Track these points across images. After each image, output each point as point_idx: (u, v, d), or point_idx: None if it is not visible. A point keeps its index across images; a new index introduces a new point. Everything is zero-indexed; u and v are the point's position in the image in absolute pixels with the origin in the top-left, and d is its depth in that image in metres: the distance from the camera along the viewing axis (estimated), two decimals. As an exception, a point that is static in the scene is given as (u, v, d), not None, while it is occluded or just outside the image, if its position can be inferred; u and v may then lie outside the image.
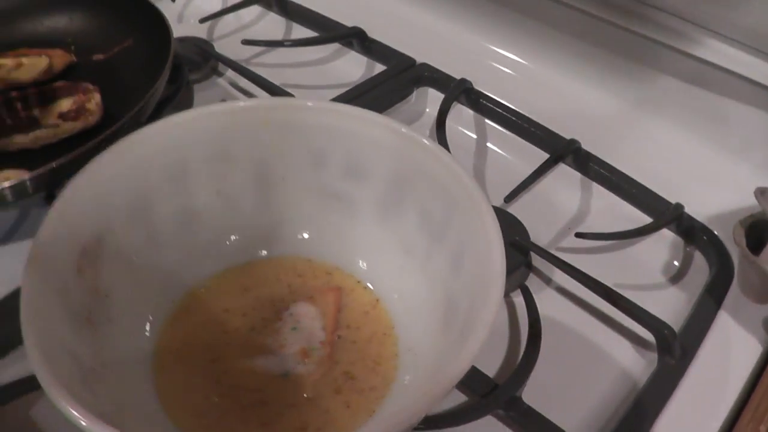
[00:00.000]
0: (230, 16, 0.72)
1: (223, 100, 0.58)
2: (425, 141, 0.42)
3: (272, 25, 0.74)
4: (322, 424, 0.39)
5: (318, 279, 0.46)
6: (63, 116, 0.54)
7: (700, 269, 0.53)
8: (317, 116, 0.44)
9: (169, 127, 0.43)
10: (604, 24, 0.61)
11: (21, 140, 0.53)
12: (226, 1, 0.76)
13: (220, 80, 0.67)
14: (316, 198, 0.46)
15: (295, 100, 0.45)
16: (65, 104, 0.55)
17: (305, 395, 0.40)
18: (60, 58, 0.61)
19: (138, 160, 0.42)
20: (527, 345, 0.45)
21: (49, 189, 0.50)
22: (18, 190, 0.47)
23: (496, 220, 0.38)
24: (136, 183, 0.42)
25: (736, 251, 0.51)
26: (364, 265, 0.46)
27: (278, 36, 0.73)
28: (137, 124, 0.51)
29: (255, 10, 0.74)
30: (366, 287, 0.45)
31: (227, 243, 0.47)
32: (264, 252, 0.47)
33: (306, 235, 0.47)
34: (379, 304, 0.45)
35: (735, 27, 0.54)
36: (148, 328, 0.43)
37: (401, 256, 0.45)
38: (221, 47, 0.68)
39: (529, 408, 0.43)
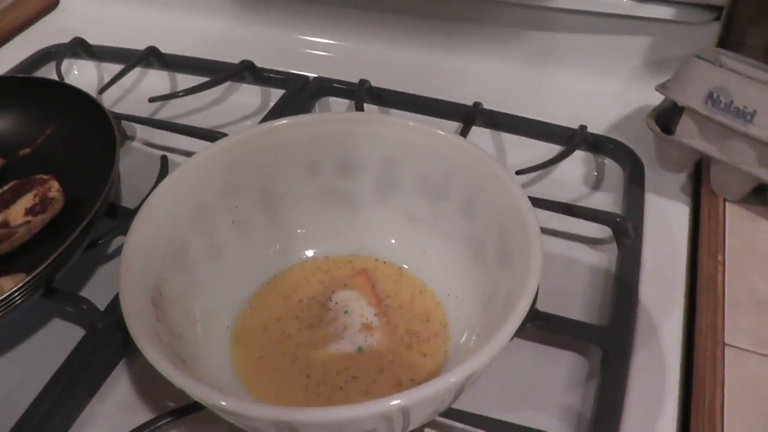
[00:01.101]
0: (114, 85, 0.74)
1: (164, 156, 0.62)
2: (409, 123, 0.49)
3: (155, 81, 0.77)
4: (413, 374, 0.45)
5: (342, 269, 0.52)
6: (30, 212, 0.56)
7: (615, 171, 0.64)
8: (301, 131, 0.50)
9: (184, 176, 0.47)
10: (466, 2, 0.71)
11: (2, 249, 0.54)
12: (101, 72, 0.78)
13: (134, 144, 0.69)
14: (318, 201, 0.52)
15: (277, 123, 0.50)
16: (27, 200, 0.56)
17: (387, 359, 0.46)
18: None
19: (167, 213, 0.46)
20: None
21: (47, 285, 0.51)
22: (24, 291, 0.48)
23: (497, 161, 0.46)
24: (171, 234, 0.46)
25: (639, 149, 0.62)
26: (378, 243, 0.53)
27: (165, 91, 0.75)
28: (108, 203, 0.54)
29: (135, 72, 0.76)
30: (386, 262, 0.52)
31: (253, 264, 0.51)
32: (286, 263, 0.52)
33: (318, 237, 0.53)
34: (402, 270, 0.52)
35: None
36: (224, 356, 0.47)
37: (408, 225, 0.52)
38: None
39: (548, 314, 0.50)
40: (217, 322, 0.48)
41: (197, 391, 0.35)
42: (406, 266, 0.52)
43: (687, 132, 0.55)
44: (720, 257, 0.52)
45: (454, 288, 0.49)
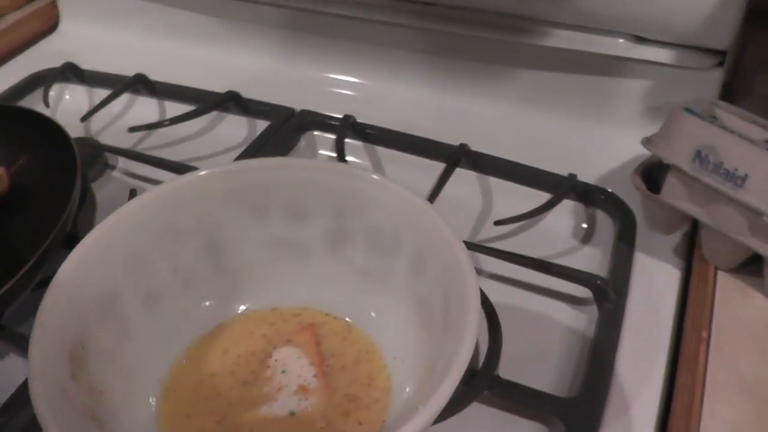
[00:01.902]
0: (103, 111, 0.73)
1: (133, 190, 0.60)
2: (361, 172, 0.46)
3: (144, 109, 0.75)
4: (344, 446, 0.42)
5: (288, 323, 0.49)
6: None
7: (606, 224, 0.59)
8: (250, 176, 0.47)
9: (119, 221, 0.45)
10: (448, 36, 0.68)
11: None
12: (92, 96, 0.77)
13: (115, 173, 0.68)
14: (266, 249, 0.49)
15: (228, 166, 0.47)
16: None
17: (319, 426, 0.43)
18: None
19: (98, 259, 0.44)
20: (490, 328, 0.49)
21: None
22: None
23: (444, 218, 0.42)
24: (101, 282, 0.44)
25: (631, 202, 0.58)
26: (328, 297, 0.49)
27: (153, 119, 0.74)
28: (63, 237, 0.52)
29: (124, 98, 0.75)
30: (335, 317, 0.49)
31: (194, 314, 0.48)
32: (231, 313, 0.50)
33: (266, 286, 0.50)
34: (352, 327, 0.48)
35: (571, 14, 0.62)
36: (149, 412, 0.44)
37: (362, 280, 0.48)
38: (104, 141, 0.69)
39: (509, 381, 0.46)
40: (147, 375, 0.45)
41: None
42: (356, 323, 0.48)
43: (673, 192, 0.50)
44: (704, 333, 0.48)
45: (401, 350, 0.46)
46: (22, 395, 0.46)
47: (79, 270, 0.42)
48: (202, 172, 0.47)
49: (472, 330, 0.37)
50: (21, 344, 0.49)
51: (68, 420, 0.36)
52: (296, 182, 0.47)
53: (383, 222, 0.46)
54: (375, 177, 0.46)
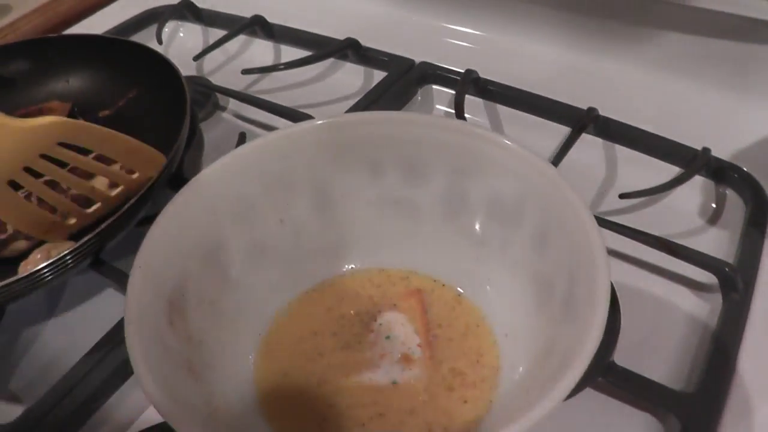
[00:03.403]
0: (217, 51, 0.72)
1: (242, 134, 0.59)
2: (483, 131, 0.43)
3: (261, 51, 0.74)
4: (447, 421, 0.40)
5: (396, 286, 0.47)
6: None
7: (736, 206, 0.55)
8: (369, 129, 0.45)
9: (228, 166, 0.43)
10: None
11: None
12: (207, 36, 0.76)
13: (225, 114, 0.67)
14: (379, 208, 0.47)
15: (344, 117, 0.45)
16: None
17: (421, 399, 0.41)
18: (60, 111, 0.60)
19: (203, 204, 0.42)
20: (609, 310, 0.46)
21: (95, 255, 0.50)
22: (76, 257, 0.46)
23: (577, 193, 0.39)
24: (205, 228, 0.43)
25: (767, 182, 0.53)
26: (439, 263, 0.47)
27: (269, 62, 0.73)
28: (169, 174, 0.51)
29: (240, 39, 0.74)
30: (445, 284, 0.46)
31: (299, 268, 0.47)
32: (337, 270, 0.48)
33: (375, 246, 0.48)
34: (462, 298, 0.46)
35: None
36: (248, 367, 0.43)
37: (475, 248, 0.46)
38: (217, 82, 0.68)
39: (625, 369, 0.44)
40: (248, 328, 0.44)
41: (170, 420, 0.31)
42: (465, 293, 0.46)
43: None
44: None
45: (513, 328, 0.43)
46: (117, 334, 0.46)
47: (182, 214, 0.41)
48: (318, 122, 0.45)
49: (601, 320, 0.33)
50: (119, 280, 0.49)
51: (163, 370, 0.35)
52: (415, 139, 0.44)
53: (506, 189, 0.43)
54: (502, 139, 0.42)
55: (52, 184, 0.49)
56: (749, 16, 0.57)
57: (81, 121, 0.53)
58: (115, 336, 0.46)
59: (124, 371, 0.45)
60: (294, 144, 0.44)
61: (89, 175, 0.51)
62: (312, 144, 0.45)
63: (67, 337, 0.50)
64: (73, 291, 0.53)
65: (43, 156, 0.45)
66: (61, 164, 0.47)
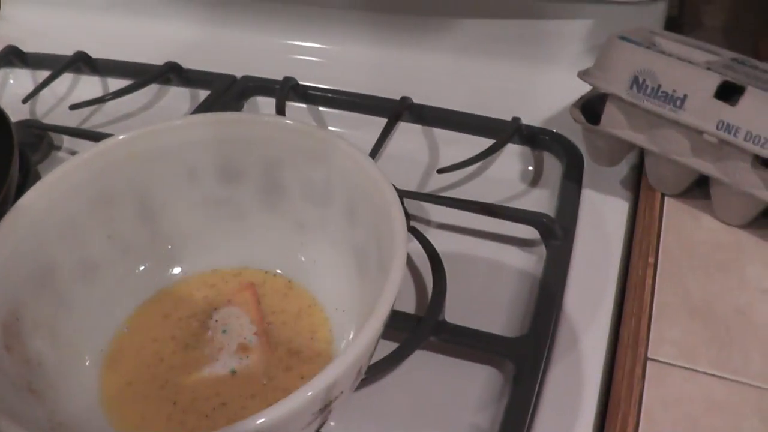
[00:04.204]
0: (47, 92, 0.72)
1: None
2: (287, 121, 0.45)
3: (88, 87, 0.74)
4: (286, 399, 0.41)
5: (228, 283, 0.48)
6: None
7: (553, 165, 0.59)
8: (174, 135, 0.46)
9: (47, 189, 0.43)
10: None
11: None
12: (36, 79, 0.76)
13: (61, 154, 0.67)
14: (201, 210, 0.48)
15: (153, 127, 0.46)
16: None
17: (261, 383, 0.42)
18: None
19: (28, 230, 0.42)
20: (434, 274, 0.49)
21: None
22: None
23: (375, 164, 0.41)
24: (34, 252, 0.42)
25: (577, 140, 0.57)
26: (268, 255, 0.48)
27: (97, 96, 0.73)
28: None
29: (68, 78, 0.74)
30: (275, 274, 0.48)
31: (133, 280, 0.47)
32: (170, 277, 0.49)
33: (205, 248, 0.49)
34: (293, 283, 0.47)
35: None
36: (91, 383, 0.43)
37: (298, 233, 0.47)
38: (50, 122, 0.68)
39: (456, 326, 0.46)
40: (88, 345, 0.44)
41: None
42: (296, 279, 0.47)
43: (612, 121, 0.49)
44: (651, 259, 0.47)
45: (342, 301, 0.45)
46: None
47: (7, 240, 0.41)
48: (129, 134, 0.46)
49: (398, 266, 0.35)
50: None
51: (3, 393, 0.35)
52: (224, 138, 0.46)
53: (314, 171, 0.45)
54: (301, 126, 0.45)
55: None
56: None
57: None
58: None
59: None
60: (109, 158, 0.45)
61: None
62: (125, 156, 0.45)
63: None
64: None
65: None
66: None
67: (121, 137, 0.46)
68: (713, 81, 0.44)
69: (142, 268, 0.48)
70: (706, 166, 0.46)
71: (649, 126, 0.48)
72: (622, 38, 0.48)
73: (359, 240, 0.43)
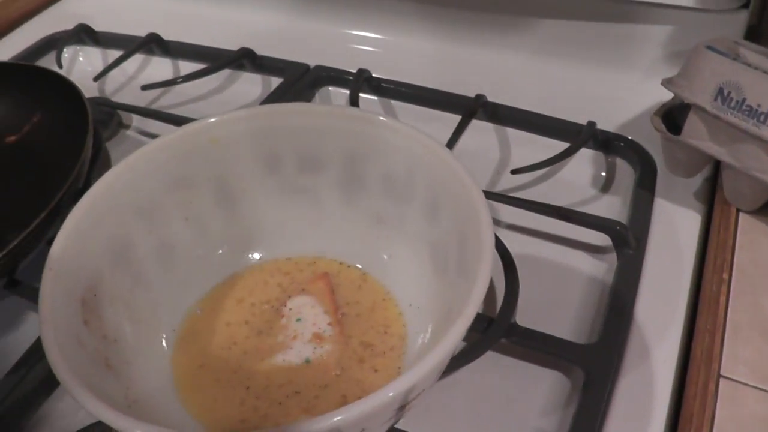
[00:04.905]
0: (117, 72, 0.72)
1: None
2: (374, 116, 0.45)
3: (159, 68, 0.75)
4: (360, 391, 0.41)
5: (303, 272, 0.48)
6: None
7: (626, 173, 0.58)
8: (257, 122, 0.46)
9: (131, 167, 0.44)
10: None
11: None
12: (106, 58, 0.76)
13: (129, 132, 0.68)
14: (280, 198, 0.49)
15: (237, 113, 0.46)
16: None
17: (334, 373, 0.42)
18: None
19: (110, 205, 0.43)
20: (506, 276, 0.48)
21: (9, 275, 0.50)
22: None
23: (462, 164, 0.41)
24: (113, 229, 0.43)
25: (652, 148, 0.57)
26: (343, 246, 0.49)
27: (168, 77, 0.74)
28: (74, 192, 0.52)
29: (139, 58, 0.75)
30: (350, 266, 0.48)
31: (208, 263, 0.48)
32: (245, 262, 0.49)
33: (280, 236, 0.49)
34: (367, 276, 0.48)
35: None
36: (165, 362, 0.44)
37: (375, 227, 0.48)
38: (119, 101, 0.69)
39: (527, 329, 0.46)
40: (163, 324, 0.45)
41: (96, 412, 0.32)
42: (371, 272, 0.48)
43: (694, 132, 0.49)
44: (725, 275, 0.47)
45: (416, 298, 0.45)
46: (37, 351, 0.46)
47: (88, 216, 0.42)
48: (212, 119, 0.46)
49: (486, 271, 0.35)
50: (36, 299, 0.49)
51: (82, 366, 0.36)
52: (307, 128, 0.46)
53: (396, 166, 0.45)
54: (386, 120, 0.45)
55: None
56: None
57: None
58: (36, 353, 0.46)
59: (48, 386, 0.46)
60: (190, 142, 0.46)
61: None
62: (208, 140, 0.46)
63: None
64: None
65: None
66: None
67: (203, 122, 0.46)
68: (800, 99, 0.44)
69: (218, 251, 0.48)
70: (787, 186, 0.46)
71: (731, 140, 0.47)
72: (709, 48, 0.48)
73: (438, 238, 0.43)
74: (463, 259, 0.40)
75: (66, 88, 0.59)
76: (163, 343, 0.45)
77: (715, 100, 0.47)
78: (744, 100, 0.45)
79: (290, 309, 0.46)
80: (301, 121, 0.46)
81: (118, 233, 0.43)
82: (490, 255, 0.36)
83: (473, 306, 0.34)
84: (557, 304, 0.50)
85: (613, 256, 0.52)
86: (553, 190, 0.58)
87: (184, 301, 0.47)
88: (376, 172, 0.46)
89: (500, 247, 0.50)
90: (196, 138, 0.46)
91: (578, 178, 0.59)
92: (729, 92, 0.46)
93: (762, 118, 0.45)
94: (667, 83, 0.50)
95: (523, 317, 0.47)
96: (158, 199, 0.45)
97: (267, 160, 0.47)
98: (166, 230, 0.46)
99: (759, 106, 0.45)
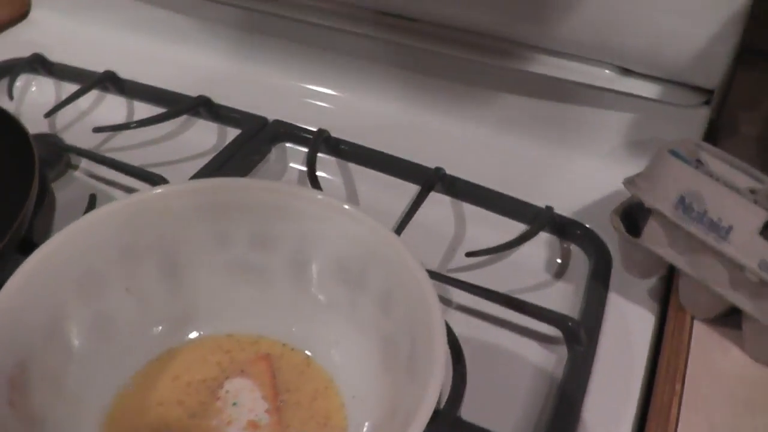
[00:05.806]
0: (70, 106, 0.70)
1: (93, 196, 0.58)
2: (333, 201, 0.44)
3: (113, 107, 0.73)
4: (293, 488, 0.40)
5: (245, 351, 0.46)
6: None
7: (580, 260, 0.57)
8: (215, 196, 0.45)
9: (71, 237, 0.42)
10: (433, 55, 0.66)
11: None
12: (59, 90, 0.74)
13: (77, 174, 0.65)
14: (228, 274, 0.47)
15: (191, 184, 0.45)
16: None
17: (268, 466, 0.41)
18: None
19: (49, 276, 0.41)
20: (454, 367, 0.47)
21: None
22: None
23: (416, 257, 0.40)
24: (48, 303, 0.41)
25: (608, 239, 0.56)
26: (288, 327, 0.47)
27: (121, 118, 0.72)
28: (18, 238, 0.50)
29: (93, 94, 0.72)
30: (293, 348, 0.46)
31: (145, 336, 0.46)
32: (184, 337, 0.47)
33: (224, 311, 0.48)
34: (311, 361, 0.46)
35: (557, 40, 0.60)
36: (91, 441, 0.42)
37: (325, 311, 0.46)
38: (69, 139, 0.67)
39: (471, 425, 0.45)
40: (92, 401, 0.43)
41: None
42: (314, 356, 0.46)
43: (653, 237, 0.48)
44: (678, 386, 0.46)
45: (361, 389, 0.43)
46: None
47: (27, 287, 0.40)
48: (164, 189, 0.44)
49: (438, 378, 0.34)
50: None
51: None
52: (262, 205, 0.45)
53: (350, 253, 0.44)
54: (345, 206, 0.44)
55: None
56: (586, 83, 0.60)
57: None
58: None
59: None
60: (140, 212, 0.44)
61: None
62: (159, 211, 0.44)
63: None
64: None
65: None
66: None
67: (153, 191, 0.45)
68: (759, 217, 0.43)
69: (156, 325, 0.46)
70: (743, 302, 0.45)
71: (690, 250, 0.47)
72: (673, 153, 0.47)
73: (390, 329, 0.42)
74: (413, 358, 0.39)
75: (12, 126, 0.57)
76: (93, 423, 0.42)
77: (677, 208, 0.46)
78: (705, 212, 0.45)
79: (227, 391, 0.44)
80: (256, 198, 0.45)
81: (54, 305, 0.41)
82: (442, 363, 0.35)
83: (423, 415, 0.33)
84: (503, 394, 0.49)
85: (563, 348, 0.51)
86: (507, 272, 0.57)
87: (118, 377, 0.44)
88: (330, 256, 0.45)
89: (449, 334, 0.49)
90: (147, 207, 0.44)
91: (532, 262, 0.58)
92: (691, 202, 0.46)
93: (722, 233, 0.44)
94: (628, 184, 0.49)
95: (468, 407, 0.45)
96: (100, 268, 0.43)
97: (217, 234, 0.46)
98: (106, 301, 0.44)
99: (720, 220, 0.44)
